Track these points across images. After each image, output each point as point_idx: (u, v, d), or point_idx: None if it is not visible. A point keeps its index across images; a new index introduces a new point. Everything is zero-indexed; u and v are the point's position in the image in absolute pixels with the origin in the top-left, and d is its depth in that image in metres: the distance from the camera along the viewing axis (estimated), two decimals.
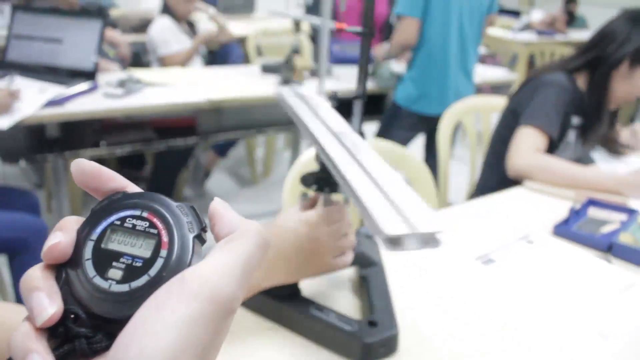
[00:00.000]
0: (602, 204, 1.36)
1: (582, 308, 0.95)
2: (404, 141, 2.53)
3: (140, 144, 2.15)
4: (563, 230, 1.23)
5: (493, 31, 5.42)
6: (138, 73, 2.37)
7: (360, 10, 2.90)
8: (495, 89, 3.21)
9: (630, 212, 1.32)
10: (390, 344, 0.78)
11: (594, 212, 1.35)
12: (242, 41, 3.74)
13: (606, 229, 1.24)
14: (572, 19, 6.30)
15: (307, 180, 0.84)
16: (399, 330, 0.79)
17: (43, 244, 0.31)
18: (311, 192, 0.85)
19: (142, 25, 3.52)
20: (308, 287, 0.91)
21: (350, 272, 0.98)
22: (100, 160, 1.99)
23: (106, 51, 2.87)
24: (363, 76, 0.75)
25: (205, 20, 3.40)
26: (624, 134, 1.78)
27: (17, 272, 1.65)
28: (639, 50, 1.55)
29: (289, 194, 1.39)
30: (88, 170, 0.33)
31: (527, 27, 5.54)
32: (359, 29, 0.71)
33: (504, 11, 7.20)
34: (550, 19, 5.72)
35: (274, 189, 3.41)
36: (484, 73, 3.16)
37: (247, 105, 2.38)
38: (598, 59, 1.62)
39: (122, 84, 2.09)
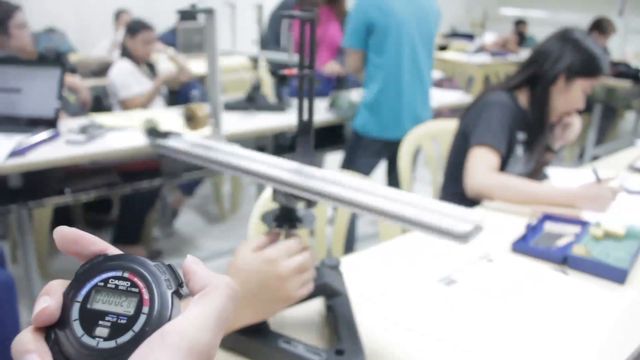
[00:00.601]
0: (557, 218, 1.42)
1: (542, 320, 0.99)
2: (368, 168, 2.58)
3: (105, 188, 2.14)
4: (521, 246, 1.27)
5: (449, 55, 5.58)
6: (100, 118, 2.37)
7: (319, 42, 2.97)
8: (454, 111, 3.29)
9: (583, 224, 1.38)
10: None
11: (549, 226, 1.41)
12: (202, 80, 3.77)
13: (562, 242, 1.29)
14: (522, 39, 6.55)
15: (266, 217, 0.87)
16: (366, 357, 0.82)
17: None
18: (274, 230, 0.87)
19: (101, 69, 3.53)
20: (276, 320, 0.93)
21: (316, 304, 1.00)
22: (66, 208, 1.96)
23: (67, 97, 2.87)
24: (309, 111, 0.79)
25: (165, 61, 3.43)
26: (557, 130, 1.84)
27: None
28: (571, 66, 1.65)
29: (254, 231, 1.40)
30: (70, 236, 0.35)
31: (481, 49, 5.73)
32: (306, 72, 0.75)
33: (458, 35, 7.43)
34: (502, 41, 5.93)
35: (243, 225, 3.42)
36: (441, 97, 3.25)
37: None
38: (536, 76, 1.71)
39: (84, 130, 2.09)
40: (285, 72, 0.75)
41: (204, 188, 3.83)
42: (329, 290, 0.96)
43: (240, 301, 0.78)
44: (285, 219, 0.86)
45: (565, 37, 1.69)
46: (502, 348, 0.91)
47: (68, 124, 2.22)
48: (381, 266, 1.20)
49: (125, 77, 3.01)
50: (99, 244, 0.36)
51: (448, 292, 1.09)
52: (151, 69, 3.20)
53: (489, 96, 1.76)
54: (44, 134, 2.02)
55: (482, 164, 1.62)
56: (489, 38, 6.10)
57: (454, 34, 7.52)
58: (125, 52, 3.08)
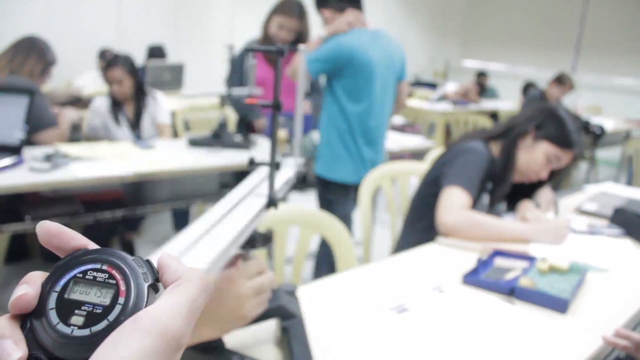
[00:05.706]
0: (507, 253, 1.49)
1: (488, 346, 1.04)
2: (348, 210, 2.57)
3: (66, 217, 2.14)
4: (471, 278, 1.33)
5: (412, 102, 5.77)
6: (65, 148, 2.38)
7: (273, 82, 3.00)
8: (415, 155, 3.40)
9: (531, 259, 1.45)
10: None
11: (499, 261, 1.47)
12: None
13: (510, 276, 1.35)
14: (483, 90, 6.81)
15: None
16: None
17: None
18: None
19: (70, 102, 3.53)
20: (232, 339, 0.96)
21: (272, 325, 1.03)
22: (23, 236, 1.94)
23: None
24: (274, 145, 0.83)
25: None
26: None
27: None
28: (542, 126, 1.76)
29: None
30: (52, 230, 0.36)
31: (443, 97, 5.93)
32: (269, 102, 0.80)
33: (421, 84, 7.68)
34: (464, 90, 6.16)
35: None
36: (403, 141, 3.36)
37: (175, 177, 2.42)
38: (510, 129, 1.82)
39: (48, 158, 2.10)
40: (247, 101, 0.80)
41: (165, 226, 3.81)
42: (284, 312, 0.99)
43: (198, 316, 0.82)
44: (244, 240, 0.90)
45: (546, 105, 1.83)
46: None
47: (32, 152, 2.22)
48: (337, 294, 1.24)
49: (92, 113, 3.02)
50: (80, 239, 0.37)
51: (400, 319, 1.13)
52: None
53: (467, 143, 1.84)
54: (6, 160, 2.02)
55: (455, 202, 1.67)
56: (450, 87, 6.32)
57: (418, 83, 7.78)
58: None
